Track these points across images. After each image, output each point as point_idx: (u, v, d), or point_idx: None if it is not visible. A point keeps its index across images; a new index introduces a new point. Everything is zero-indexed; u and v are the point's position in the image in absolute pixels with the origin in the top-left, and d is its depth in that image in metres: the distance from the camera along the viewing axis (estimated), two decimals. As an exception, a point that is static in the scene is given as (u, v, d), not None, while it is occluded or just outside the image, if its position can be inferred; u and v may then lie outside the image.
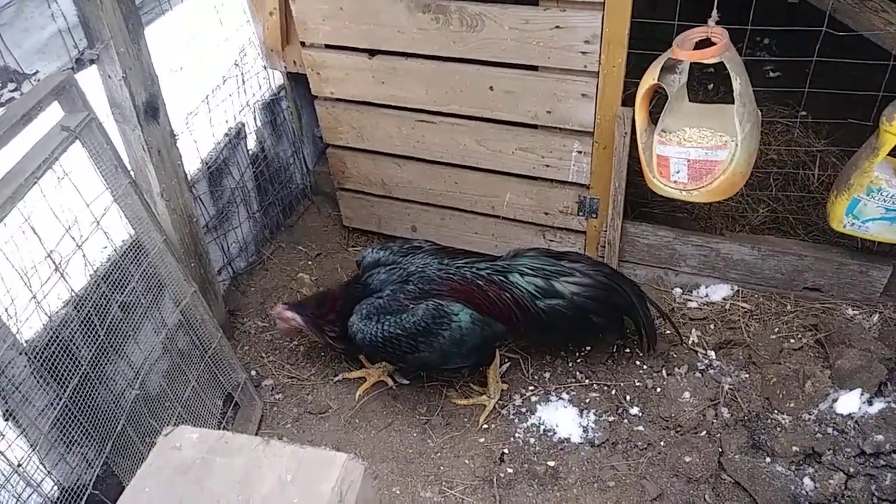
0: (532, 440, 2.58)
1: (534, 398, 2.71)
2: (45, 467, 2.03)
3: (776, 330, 2.73)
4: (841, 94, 2.62)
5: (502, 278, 2.54)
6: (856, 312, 2.69)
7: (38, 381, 2.00)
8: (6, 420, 1.95)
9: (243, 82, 3.02)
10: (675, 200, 2.51)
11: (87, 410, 2.06)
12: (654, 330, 2.70)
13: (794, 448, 2.34)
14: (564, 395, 2.70)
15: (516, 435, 2.60)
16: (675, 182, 2.34)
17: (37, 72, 1.99)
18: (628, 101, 2.51)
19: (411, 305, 2.43)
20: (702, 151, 2.23)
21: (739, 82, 2.15)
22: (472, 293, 2.48)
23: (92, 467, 2.11)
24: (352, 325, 2.49)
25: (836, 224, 2.50)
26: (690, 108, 2.40)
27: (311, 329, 2.68)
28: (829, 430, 2.36)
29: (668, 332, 2.81)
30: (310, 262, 3.38)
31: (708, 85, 3.86)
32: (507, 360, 2.84)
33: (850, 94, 2.54)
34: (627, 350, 2.79)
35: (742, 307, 2.84)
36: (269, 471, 1.28)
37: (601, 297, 2.55)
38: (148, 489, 1.28)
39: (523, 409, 2.68)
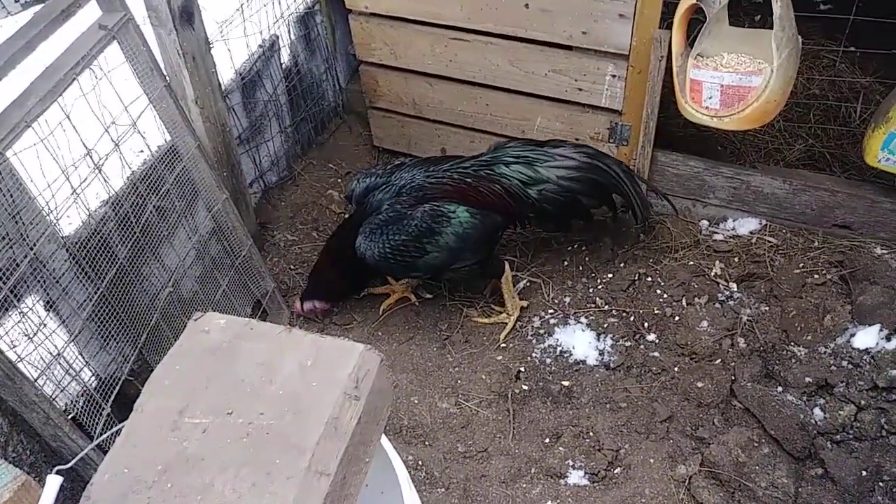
0: (548, 360, 2.65)
1: (553, 321, 2.76)
2: (83, 358, 2.15)
3: (801, 265, 2.71)
4: (893, 25, 2.52)
5: (489, 171, 2.58)
6: (884, 251, 2.66)
7: (77, 276, 2.09)
8: (47, 311, 2.05)
9: (277, -8, 3.00)
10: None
11: (123, 306, 2.15)
12: (646, 203, 2.78)
13: (807, 379, 2.36)
14: (583, 320, 2.74)
15: (533, 355, 2.67)
16: (706, 108, 2.31)
17: (75, -31, 2.01)
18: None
19: (409, 212, 2.51)
20: (736, 77, 2.18)
21: (780, 5, 2.08)
22: (464, 191, 2.54)
23: (127, 361, 2.23)
24: (359, 247, 2.54)
25: (871, 159, 2.45)
26: (730, 32, 2.34)
27: (335, 300, 2.86)
28: (844, 363, 2.38)
29: (691, 262, 2.82)
30: (339, 181, 3.41)
31: (755, 16, 3.72)
32: (527, 282, 2.89)
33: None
34: (649, 279, 2.81)
35: (769, 241, 2.82)
36: (291, 356, 1.35)
37: (586, 178, 2.61)
38: (178, 367, 1.37)
39: (542, 331, 2.74)
